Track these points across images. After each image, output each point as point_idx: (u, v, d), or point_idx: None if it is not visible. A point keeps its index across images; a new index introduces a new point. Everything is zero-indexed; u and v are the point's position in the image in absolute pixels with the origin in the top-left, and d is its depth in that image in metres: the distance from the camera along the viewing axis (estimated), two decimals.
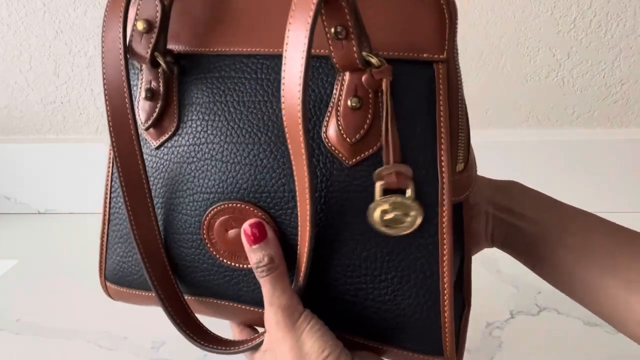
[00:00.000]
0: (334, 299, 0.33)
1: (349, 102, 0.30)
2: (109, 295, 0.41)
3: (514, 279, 0.57)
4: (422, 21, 0.29)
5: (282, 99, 0.28)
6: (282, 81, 0.28)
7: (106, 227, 0.40)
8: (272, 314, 0.31)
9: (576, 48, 0.69)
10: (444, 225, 0.30)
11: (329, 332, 0.31)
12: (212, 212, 0.34)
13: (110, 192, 0.40)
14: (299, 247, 0.32)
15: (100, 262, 0.40)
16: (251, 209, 0.33)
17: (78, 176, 0.77)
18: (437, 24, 0.29)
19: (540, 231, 0.36)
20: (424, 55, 0.30)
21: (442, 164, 0.30)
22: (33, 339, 0.50)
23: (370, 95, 0.30)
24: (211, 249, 0.35)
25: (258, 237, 0.32)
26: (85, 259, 0.65)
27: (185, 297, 0.37)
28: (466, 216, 0.36)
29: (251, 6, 0.34)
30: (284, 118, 0.28)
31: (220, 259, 0.35)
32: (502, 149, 0.71)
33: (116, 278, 0.40)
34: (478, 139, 0.74)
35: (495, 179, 0.40)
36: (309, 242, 0.30)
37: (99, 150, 0.76)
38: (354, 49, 0.28)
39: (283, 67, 0.28)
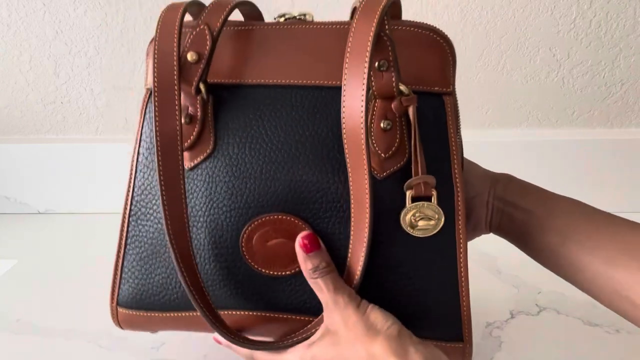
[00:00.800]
0: (369, 295, 0.37)
1: (381, 124, 0.36)
2: (118, 323, 0.42)
3: (514, 279, 0.57)
4: (432, 61, 0.37)
5: (343, 123, 0.33)
6: (343, 109, 0.33)
7: (122, 251, 0.42)
8: (334, 301, 0.35)
9: (576, 48, 0.69)
10: (459, 226, 0.37)
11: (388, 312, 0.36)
12: (252, 225, 0.38)
13: (129, 217, 0.41)
14: (350, 249, 0.37)
15: (113, 287, 0.42)
16: (291, 219, 0.37)
17: (78, 176, 0.77)
18: (444, 64, 0.37)
19: (529, 217, 0.40)
20: (435, 88, 0.37)
21: (456, 175, 0.37)
22: (33, 339, 0.50)
23: (397, 119, 0.36)
24: (249, 260, 0.38)
25: (313, 246, 0.36)
26: (85, 259, 0.65)
27: (219, 312, 0.39)
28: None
29: (278, 44, 0.39)
30: (345, 138, 0.34)
31: (258, 268, 0.38)
32: (502, 149, 0.71)
33: (133, 302, 0.41)
34: (478, 138, 0.74)
35: (491, 172, 0.45)
36: (367, 244, 0.35)
37: (99, 150, 0.76)
38: (393, 79, 0.35)
39: (343, 97, 0.33)
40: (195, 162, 0.39)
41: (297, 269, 0.38)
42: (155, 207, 0.40)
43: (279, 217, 0.38)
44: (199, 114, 0.39)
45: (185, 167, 0.39)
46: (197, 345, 0.48)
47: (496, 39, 0.70)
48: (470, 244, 0.66)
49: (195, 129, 0.39)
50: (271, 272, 0.38)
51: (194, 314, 0.40)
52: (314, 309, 0.38)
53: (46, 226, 0.75)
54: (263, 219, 0.38)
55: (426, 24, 0.37)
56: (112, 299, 0.42)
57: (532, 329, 0.49)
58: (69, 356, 0.47)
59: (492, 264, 0.61)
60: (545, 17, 0.68)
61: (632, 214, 0.69)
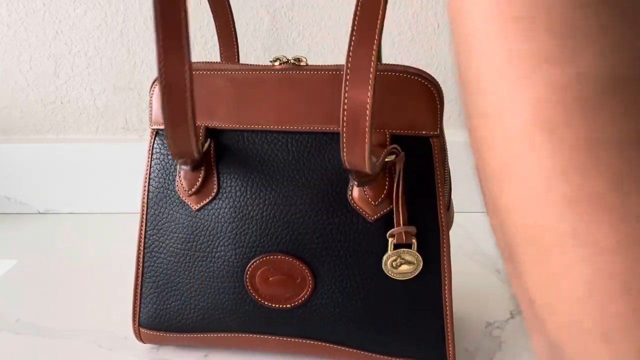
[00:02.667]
0: (359, 325, 0.41)
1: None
2: (140, 339, 0.47)
3: None
4: (420, 106, 0.39)
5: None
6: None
7: (140, 280, 0.45)
8: None
9: None
10: (444, 264, 0.40)
11: None
12: (254, 263, 0.41)
13: (144, 250, 0.46)
14: None
15: (134, 311, 0.46)
16: (290, 259, 0.41)
17: (78, 176, 0.77)
18: (431, 108, 0.39)
19: None
20: (423, 132, 0.39)
21: (442, 215, 0.39)
22: (33, 339, 0.50)
23: (386, 171, 0.39)
24: (254, 295, 0.42)
25: None
26: (85, 259, 0.65)
27: (224, 335, 0.44)
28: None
29: (274, 90, 0.41)
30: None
31: (263, 302, 0.42)
32: None
33: (153, 324, 0.46)
34: None
35: None
36: None
37: (99, 150, 0.76)
38: (382, 154, 0.37)
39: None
40: (202, 204, 0.42)
41: (298, 303, 0.41)
42: (167, 240, 0.44)
43: (279, 257, 0.41)
44: (202, 160, 0.42)
45: (193, 208, 0.43)
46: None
47: None
48: (470, 244, 0.66)
49: (201, 175, 0.42)
50: (275, 306, 0.42)
51: (208, 335, 0.44)
52: (324, 337, 0.42)
53: (46, 226, 0.75)
54: (264, 258, 0.41)
55: (413, 68, 0.39)
56: (134, 320, 0.46)
57: None
58: (69, 356, 0.47)
59: (492, 264, 0.61)
60: None
61: None
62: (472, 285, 0.56)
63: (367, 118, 0.33)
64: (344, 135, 0.34)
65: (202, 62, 0.45)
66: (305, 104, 0.40)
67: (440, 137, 0.40)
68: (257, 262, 0.41)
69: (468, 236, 0.67)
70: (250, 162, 0.42)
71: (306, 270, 0.41)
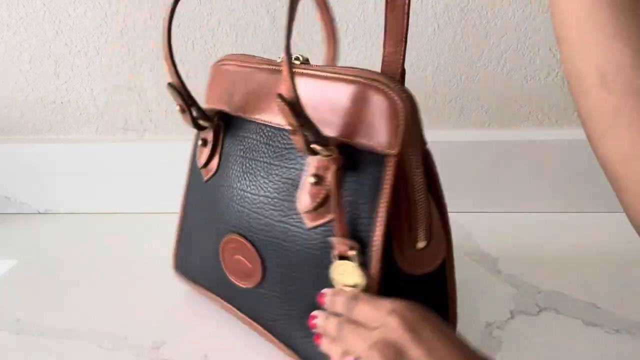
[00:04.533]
0: (295, 326, 0.42)
1: (309, 179, 0.38)
2: (177, 276, 0.55)
3: (514, 279, 0.57)
4: (381, 123, 0.35)
5: None
6: None
7: (180, 229, 0.54)
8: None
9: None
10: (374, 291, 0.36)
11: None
12: (225, 239, 0.46)
13: (186, 204, 0.53)
14: None
15: (174, 252, 0.55)
16: (245, 242, 0.44)
17: (78, 176, 0.77)
18: (393, 126, 0.35)
19: None
20: (378, 149, 0.35)
21: (374, 242, 0.35)
22: (33, 339, 0.50)
23: (327, 175, 0.37)
24: (223, 267, 0.47)
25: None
26: (86, 259, 0.65)
27: (213, 296, 0.50)
28: (450, 284, 0.42)
29: (271, 86, 0.43)
30: None
31: (228, 275, 0.46)
32: (502, 149, 0.71)
33: (181, 269, 0.54)
34: (478, 138, 0.74)
35: None
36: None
37: (99, 150, 0.76)
38: (302, 142, 0.35)
39: None
40: (207, 177, 0.49)
41: (250, 286, 0.44)
42: (192, 200, 0.52)
43: (239, 238, 0.44)
44: (211, 139, 0.48)
45: (203, 179, 0.49)
46: (197, 345, 0.48)
47: (496, 39, 0.70)
48: (470, 244, 0.66)
49: (206, 151, 0.48)
50: (235, 282, 0.46)
51: (207, 292, 0.51)
52: (267, 326, 0.45)
53: (46, 226, 0.75)
54: (231, 237, 0.45)
55: (385, 78, 0.36)
56: (173, 262, 0.56)
57: (532, 329, 0.49)
58: (69, 356, 0.47)
59: (492, 264, 0.61)
60: (545, 17, 0.68)
61: None
62: (472, 285, 0.56)
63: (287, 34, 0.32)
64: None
65: (237, 55, 0.50)
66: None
67: (401, 158, 0.35)
68: (228, 238, 0.45)
69: (468, 236, 0.67)
70: (241, 149, 0.45)
71: (258, 260, 0.43)
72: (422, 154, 0.37)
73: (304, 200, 0.38)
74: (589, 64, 0.30)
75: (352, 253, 0.36)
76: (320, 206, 0.37)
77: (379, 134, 0.35)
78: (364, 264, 0.36)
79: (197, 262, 0.51)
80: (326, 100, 0.38)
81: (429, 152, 0.38)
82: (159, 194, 0.77)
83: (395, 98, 0.34)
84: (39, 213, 0.79)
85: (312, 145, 0.35)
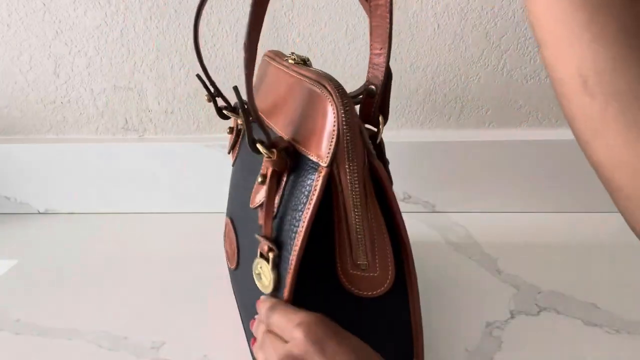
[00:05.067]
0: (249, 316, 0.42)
1: (257, 177, 0.37)
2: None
3: (514, 279, 0.57)
4: (318, 132, 0.34)
5: None
6: None
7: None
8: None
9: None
10: (286, 290, 0.35)
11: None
12: (225, 220, 0.51)
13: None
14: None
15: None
16: (231, 227, 0.48)
17: (78, 176, 0.77)
18: (327, 137, 0.33)
19: None
20: (314, 158, 0.34)
21: (295, 251, 0.34)
22: (33, 339, 0.50)
23: (270, 176, 0.37)
24: (225, 247, 0.52)
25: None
26: (86, 259, 0.65)
27: None
28: (413, 313, 0.39)
29: (268, 84, 0.45)
30: None
31: (226, 253, 0.51)
32: (502, 149, 0.71)
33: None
34: (478, 138, 0.74)
35: None
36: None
37: (99, 150, 0.76)
38: (249, 138, 0.36)
39: None
40: (232, 161, 0.53)
41: (233, 267, 0.48)
42: (233, 177, 0.54)
43: (229, 222, 0.49)
44: (236, 127, 0.52)
45: (231, 162, 0.54)
46: (197, 345, 0.48)
47: (496, 39, 0.70)
48: (471, 244, 0.66)
49: (231, 139, 0.53)
50: (227, 262, 0.51)
51: None
52: (243, 304, 0.46)
53: (46, 226, 0.75)
54: (227, 220, 0.50)
55: (333, 84, 0.34)
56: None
57: (532, 329, 0.49)
58: (69, 356, 0.47)
59: (492, 264, 0.61)
60: None
61: None
62: (472, 285, 0.56)
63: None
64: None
65: (273, 50, 0.52)
66: (276, 101, 0.42)
67: (333, 172, 0.34)
68: (226, 220, 0.51)
69: (468, 236, 0.67)
70: (245, 139, 0.44)
71: (235, 244, 0.47)
72: (368, 168, 0.35)
73: (253, 197, 0.41)
74: (569, 68, 0.29)
75: (271, 255, 0.36)
76: (262, 205, 0.38)
77: (316, 143, 0.34)
78: (280, 269, 0.36)
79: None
80: (293, 100, 0.38)
81: (378, 166, 0.36)
82: (159, 194, 0.77)
83: (332, 110, 0.33)
84: (39, 213, 0.79)
85: (257, 145, 0.35)
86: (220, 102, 0.51)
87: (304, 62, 0.43)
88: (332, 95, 0.33)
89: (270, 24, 0.70)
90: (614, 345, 0.47)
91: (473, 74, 0.71)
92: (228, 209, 0.52)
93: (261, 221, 0.37)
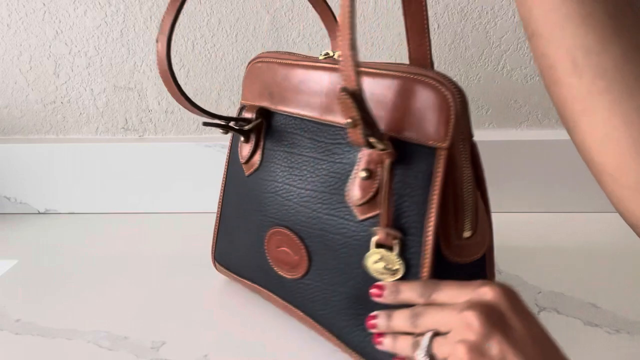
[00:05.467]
0: (342, 315, 0.43)
1: (360, 173, 0.39)
2: (215, 268, 0.57)
3: (514, 279, 0.57)
4: (431, 114, 0.36)
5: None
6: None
7: (218, 222, 0.56)
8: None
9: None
10: (424, 276, 0.37)
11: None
12: (271, 231, 0.47)
13: (223, 199, 0.55)
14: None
15: (213, 243, 0.57)
16: (294, 237, 0.45)
17: (78, 176, 0.77)
18: (443, 118, 0.36)
19: None
20: (430, 142, 0.37)
21: (428, 231, 0.37)
22: (33, 339, 0.50)
23: (378, 169, 0.38)
24: (268, 258, 0.48)
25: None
26: (85, 259, 0.65)
27: (254, 285, 0.52)
28: (489, 272, 0.43)
29: (312, 82, 0.44)
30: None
31: (272, 266, 0.48)
32: (502, 149, 0.71)
33: (221, 260, 0.56)
34: (478, 138, 0.73)
35: None
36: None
37: (99, 150, 0.76)
38: (360, 135, 0.36)
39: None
40: (249, 172, 0.50)
41: (295, 277, 0.45)
42: (233, 195, 0.53)
43: (286, 231, 0.45)
44: (253, 135, 0.49)
45: (245, 174, 0.50)
46: (197, 345, 0.48)
47: (496, 39, 0.70)
48: None
49: (251, 149, 0.49)
50: (280, 273, 0.47)
51: (246, 282, 0.53)
52: (312, 314, 0.45)
53: (46, 226, 0.75)
54: (276, 230, 0.46)
55: (437, 73, 0.37)
56: (212, 252, 0.57)
57: None
58: (69, 356, 0.47)
59: None
60: None
61: None
62: None
63: (349, 29, 0.33)
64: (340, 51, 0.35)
65: (273, 52, 0.51)
66: (328, 99, 0.43)
67: (451, 151, 0.36)
68: (273, 230, 0.46)
69: None
70: (284, 144, 0.46)
71: (304, 252, 0.44)
72: (470, 146, 0.38)
73: (355, 193, 0.39)
74: (560, 52, 0.31)
75: (394, 242, 0.37)
76: (371, 199, 0.38)
77: (429, 128, 0.36)
78: (406, 253, 0.37)
79: (237, 254, 0.52)
80: (373, 96, 0.39)
81: (475, 144, 0.39)
82: (159, 194, 0.77)
83: (446, 92, 0.35)
84: (39, 213, 0.79)
85: (371, 139, 0.36)
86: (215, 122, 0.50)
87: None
88: (444, 85, 0.36)
89: (270, 24, 0.70)
90: (614, 345, 0.47)
91: (473, 74, 0.71)
92: (271, 219, 0.47)
93: (363, 214, 0.39)
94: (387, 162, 0.37)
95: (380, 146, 0.36)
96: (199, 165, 0.75)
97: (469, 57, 0.71)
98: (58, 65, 0.74)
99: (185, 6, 0.71)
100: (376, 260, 0.38)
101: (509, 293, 0.32)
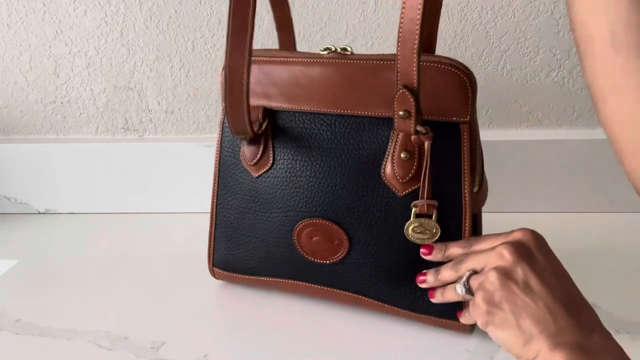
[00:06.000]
0: (386, 283, 0.47)
1: (402, 155, 0.43)
2: (214, 276, 0.56)
3: None
4: (452, 94, 0.43)
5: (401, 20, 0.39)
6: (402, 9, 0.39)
7: (213, 229, 0.55)
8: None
9: (576, 48, 0.69)
10: (466, 232, 0.45)
11: None
12: (300, 225, 0.48)
13: (217, 205, 0.54)
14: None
15: (209, 253, 0.56)
16: (330, 224, 0.47)
17: (78, 176, 0.77)
18: (463, 95, 0.42)
19: None
20: (453, 118, 0.43)
21: (465, 195, 0.44)
22: (33, 339, 0.50)
23: (415, 151, 0.43)
24: (300, 250, 0.49)
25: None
26: (85, 259, 0.65)
27: (276, 280, 0.53)
28: (479, 223, 0.50)
29: (321, 76, 0.47)
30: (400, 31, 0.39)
31: (307, 257, 0.49)
32: (502, 149, 0.71)
33: (224, 266, 0.55)
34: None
35: None
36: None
37: (99, 150, 0.76)
38: (412, 126, 0.42)
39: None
40: (260, 172, 0.50)
41: (335, 260, 0.48)
42: (233, 200, 0.52)
43: (321, 221, 0.48)
44: (261, 136, 0.50)
45: (253, 176, 0.51)
46: (197, 345, 0.48)
47: (496, 39, 0.70)
48: None
49: (260, 149, 0.50)
50: (316, 260, 0.49)
51: (264, 279, 0.53)
52: (354, 289, 0.49)
53: (46, 226, 0.75)
54: (309, 221, 0.48)
55: (447, 58, 0.43)
56: (209, 261, 0.56)
57: None
58: (69, 356, 0.47)
59: None
60: (545, 17, 0.68)
61: (632, 214, 0.69)
62: None
63: (417, 35, 0.38)
64: (398, 52, 0.39)
65: (263, 49, 0.52)
66: (348, 90, 0.46)
67: (471, 122, 0.43)
68: (303, 223, 0.48)
69: None
70: (300, 139, 0.48)
71: (343, 234, 0.47)
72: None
73: (396, 173, 0.44)
74: (601, 24, 0.31)
75: (434, 211, 0.43)
76: (413, 177, 0.44)
77: (452, 106, 0.43)
78: (443, 219, 0.44)
79: (253, 255, 0.52)
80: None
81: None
82: (159, 194, 0.77)
83: (461, 74, 0.42)
84: (39, 213, 0.79)
85: (418, 127, 0.41)
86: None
87: (346, 51, 0.48)
88: (457, 68, 0.42)
89: (270, 24, 0.70)
90: None
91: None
92: (298, 212, 0.48)
93: (404, 190, 0.44)
94: (428, 143, 0.41)
95: (423, 131, 0.41)
96: (199, 165, 0.75)
97: (469, 57, 0.71)
98: (58, 65, 0.74)
99: (185, 6, 0.71)
100: (415, 228, 0.44)
101: (536, 235, 0.39)
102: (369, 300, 0.49)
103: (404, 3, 0.38)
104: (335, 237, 0.47)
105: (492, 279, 0.36)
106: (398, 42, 0.39)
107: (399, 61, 0.40)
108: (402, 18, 0.38)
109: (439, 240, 0.44)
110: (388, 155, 0.45)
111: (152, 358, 0.47)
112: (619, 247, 0.62)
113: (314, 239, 0.48)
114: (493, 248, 0.38)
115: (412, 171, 0.43)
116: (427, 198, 0.43)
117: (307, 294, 0.53)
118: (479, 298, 0.37)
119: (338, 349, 0.47)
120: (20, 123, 0.78)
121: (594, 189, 0.72)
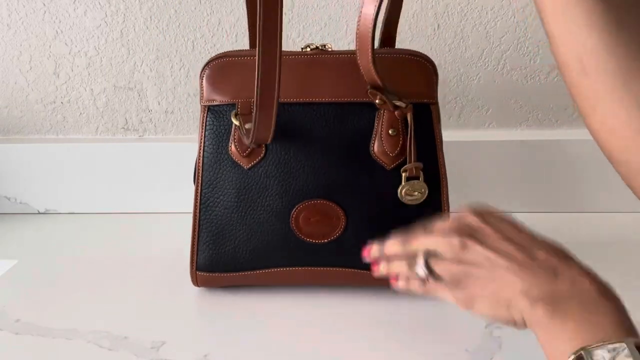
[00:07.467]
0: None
1: (390, 131, 0.51)
2: (196, 283, 0.55)
3: None
4: (420, 80, 0.52)
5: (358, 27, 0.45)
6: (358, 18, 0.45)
7: (197, 231, 0.54)
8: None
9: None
10: (444, 195, 0.53)
11: None
12: (298, 208, 0.51)
13: (200, 205, 0.54)
14: None
15: (192, 258, 0.54)
16: (327, 202, 0.51)
17: (78, 176, 0.77)
18: (429, 81, 0.52)
19: None
20: (425, 100, 0.52)
21: (440, 160, 0.53)
22: (33, 339, 0.50)
23: (400, 126, 0.50)
24: (297, 233, 0.52)
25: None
26: (85, 259, 0.65)
27: (269, 270, 0.53)
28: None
29: (308, 70, 0.52)
30: (357, 38, 0.46)
31: (305, 239, 0.52)
32: (502, 149, 0.71)
33: (210, 267, 0.54)
34: (478, 138, 0.74)
35: None
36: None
37: (99, 150, 0.76)
38: (389, 105, 0.49)
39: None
40: (252, 163, 0.52)
41: (333, 237, 0.52)
42: (221, 196, 0.53)
43: (318, 201, 0.51)
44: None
45: (245, 168, 0.52)
46: (197, 345, 0.48)
47: (496, 39, 0.70)
48: None
49: (246, 140, 0.50)
50: (314, 241, 0.52)
51: (257, 272, 0.53)
52: (353, 264, 0.51)
53: (46, 226, 0.75)
54: (306, 204, 0.51)
55: (414, 51, 0.52)
56: (191, 266, 0.54)
57: None
58: (69, 356, 0.47)
59: None
60: None
61: (632, 214, 0.69)
62: None
63: (370, 29, 0.43)
64: (357, 48, 0.46)
65: (248, 50, 0.55)
66: (332, 81, 0.51)
67: (436, 104, 0.52)
68: (300, 207, 0.51)
69: None
70: (290, 128, 0.51)
71: (339, 210, 0.51)
72: None
73: (386, 148, 0.50)
74: (570, 53, 0.35)
75: (420, 173, 0.50)
76: (400, 151, 0.50)
77: (422, 91, 0.52)
78: (427, 179, 0.50)
79: (244, 249, 0.53)
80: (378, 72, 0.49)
81: None
82: (159, 194, 0.77)
83: (426, 63, 0.52)
84: (39, 213, 0.79)
85: (397, 103, 0.48)
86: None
87: (325, 47, 0.53)
88: (422, 58, 0.52)
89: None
90: None
91: (473, 74, 0.71)
92: (293, 198, 0.51)
93: (393, 163, 0.51)
94: (410, 114, 0.49)
95: (402, 105, 0.48)
96: None
97: (469, 57, 0.71)
98: (58, 65, 0.74)
99: (185, 6, 0.71)
100: (407, 190, 0.50)
101: (477, 210, 0.40)
102: (366, 272, 0.49)
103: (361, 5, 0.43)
104: (332, 215, 0.51)
105: (455, 270, 0.38)
106: (355, 40, 0.45)
107: (358, 58, 0.46)
108: (359, 19, 0.44)
109: (427, 200, 0.51)
110: (376, 134, 0.51)
111: (152, 358, 0.47)
112: (619, 247, 0.62)
113: (312, 219, 0.51)
114: (443, 232, 0.40)
115: (399, 145, 0.50)
116: (414, 161, 0.50)
117: (304, 281, 0.54)
118: (450, 287, 0.39)
119: (338, 349, 0.47)
120: (20, 123, 0.78)
121: (594, 188, 0.72)
